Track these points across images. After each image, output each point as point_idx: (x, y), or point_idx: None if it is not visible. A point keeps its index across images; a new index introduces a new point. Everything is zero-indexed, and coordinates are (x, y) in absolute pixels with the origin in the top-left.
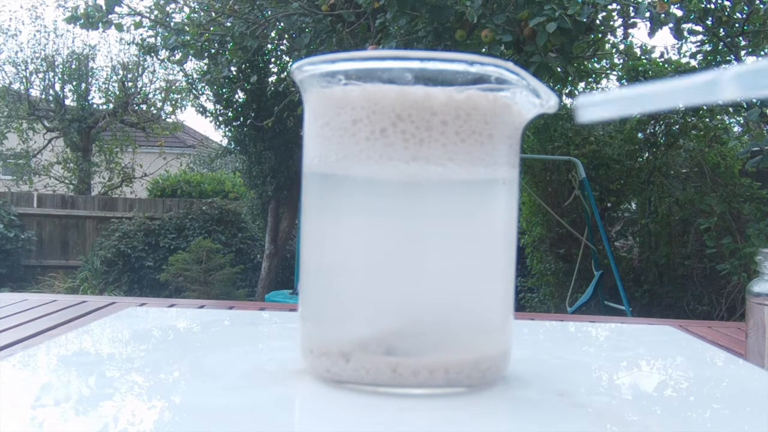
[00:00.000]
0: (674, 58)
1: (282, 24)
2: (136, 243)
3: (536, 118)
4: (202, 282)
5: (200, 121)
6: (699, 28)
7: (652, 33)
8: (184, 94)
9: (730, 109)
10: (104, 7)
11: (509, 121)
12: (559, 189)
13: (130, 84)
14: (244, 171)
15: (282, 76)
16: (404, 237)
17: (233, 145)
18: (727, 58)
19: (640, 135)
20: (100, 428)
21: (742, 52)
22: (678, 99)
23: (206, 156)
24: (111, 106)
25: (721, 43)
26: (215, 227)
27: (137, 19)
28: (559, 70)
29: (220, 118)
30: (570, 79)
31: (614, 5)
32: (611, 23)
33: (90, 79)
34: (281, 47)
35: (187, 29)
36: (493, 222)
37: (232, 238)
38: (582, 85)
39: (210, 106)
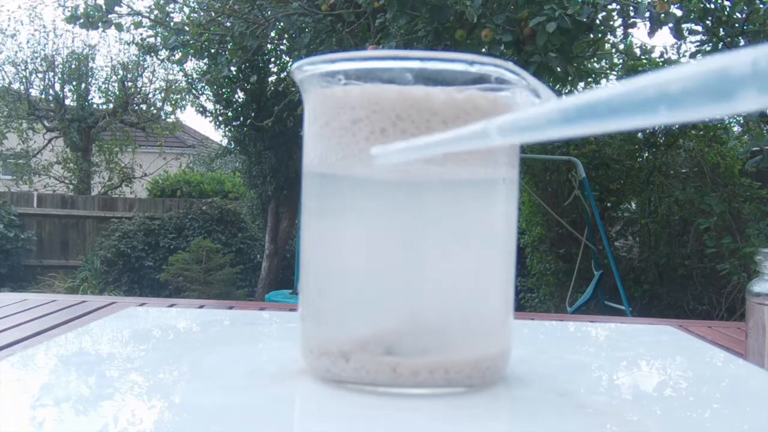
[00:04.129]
0: (674, 58)
1: (282, 24)
2: (136, 243)
3: None
4: (202, 282)
5: (200, 121)
6: (699, 28)
7: (652, 33)
8: (183, 94)
9: None
10: (104, 7)
11: None
12: (559, 189)
13: (130, 84)
14: (244, 171)
15: (282, 76)
16: (404, 237)
17: (233, 145)
18: None
19: (639, 135)
20: (100, 428)
21: None
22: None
23: (206, 156)
24: (111, 106)
25: (721, 43)
26: (215, 227)
27: (137, 18)
28: (559, 70)
29: (220, 118)
30: (570, 79)
31: (614, 5)
32: (611, 23)
33: (90, 79)
34: (281, 47)
35: (187, 29)
36: (493, 222)
37: (232, 238)
38: (582, 84)
39: (210, 106)
